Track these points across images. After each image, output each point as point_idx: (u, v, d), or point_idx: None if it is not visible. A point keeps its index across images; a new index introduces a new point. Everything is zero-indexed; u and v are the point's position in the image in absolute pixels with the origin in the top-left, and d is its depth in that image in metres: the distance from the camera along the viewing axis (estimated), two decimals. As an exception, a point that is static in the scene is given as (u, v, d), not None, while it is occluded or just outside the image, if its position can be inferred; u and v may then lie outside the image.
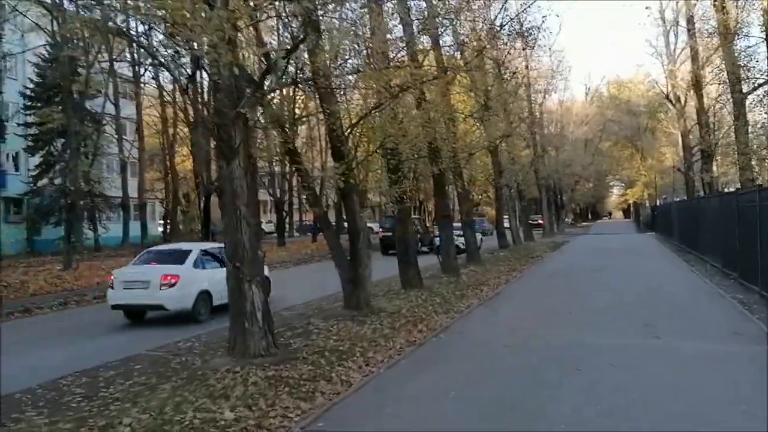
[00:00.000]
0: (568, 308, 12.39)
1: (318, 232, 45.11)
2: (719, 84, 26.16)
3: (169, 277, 12.81)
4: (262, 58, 8.73)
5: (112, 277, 13.72)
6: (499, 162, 30.34)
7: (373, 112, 12.44)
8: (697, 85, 31.15)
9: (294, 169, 12.15)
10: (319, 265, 26.63)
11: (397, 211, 16.10)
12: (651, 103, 58.94)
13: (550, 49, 50.23)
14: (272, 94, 11.30)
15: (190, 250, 13.85)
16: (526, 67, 31.18)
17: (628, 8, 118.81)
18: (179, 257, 13.69)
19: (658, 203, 59.82)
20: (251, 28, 8.75)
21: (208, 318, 13.05)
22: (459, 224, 24.42)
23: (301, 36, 7.98)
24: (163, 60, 7.44)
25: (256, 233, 8.67)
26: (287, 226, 52.09)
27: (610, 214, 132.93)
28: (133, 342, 10.92)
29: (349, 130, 12.28)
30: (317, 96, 12.42)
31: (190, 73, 7.64)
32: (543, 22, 35.33)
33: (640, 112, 63.14)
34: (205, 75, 8.78)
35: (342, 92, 12.44)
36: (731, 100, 24.90)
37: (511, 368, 7.86)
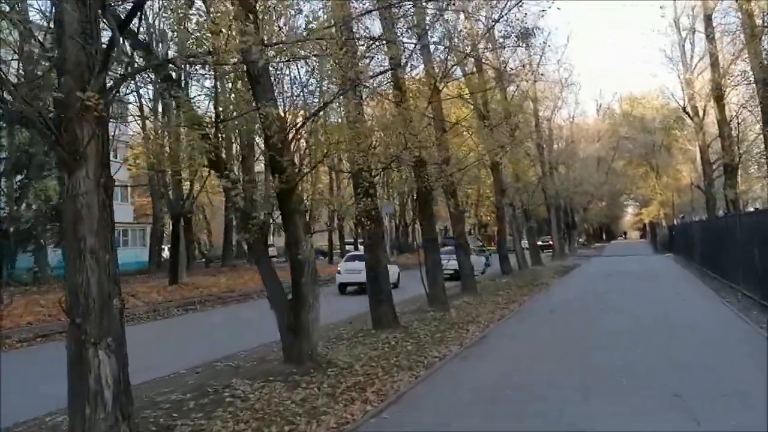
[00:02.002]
0: (569, 362, 9.57)
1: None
2: (748, 84, 23.18)
3: None
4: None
5: (338, 267, 25.43)
6: (500, 179, 27.71)
7: (323, 111, 9.86)
8: (718, 93, 28.34)
9: (221, 184, 9.44)
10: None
11: (368, 235, 13.49)
12: (666, 118, 56.35)
13: (558, 61, 48.02)
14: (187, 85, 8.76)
15: None
16: (526, 71, 28.47)
17: (644, 12, 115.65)
18: None
19: (675, 223, 56.67)
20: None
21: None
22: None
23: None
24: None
25: (111, 274, 6.02)
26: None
27: (625, 234, 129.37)
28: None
29: (290, 136, 9.68)
30: (251, 91, 9.87)
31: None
32: (542, 16, 32.32)
33: (655, 129, 60.51)
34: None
35: (280, 84, 9.84)
36: (759, 107, 22.07)
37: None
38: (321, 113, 9.93)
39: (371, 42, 13.08)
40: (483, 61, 22.09)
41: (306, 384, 8.37)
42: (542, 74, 31.90)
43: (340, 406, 7.36)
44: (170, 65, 8.61)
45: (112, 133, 27.29)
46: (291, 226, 9.86)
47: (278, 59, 8.91)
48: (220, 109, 9.56)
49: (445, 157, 17.96)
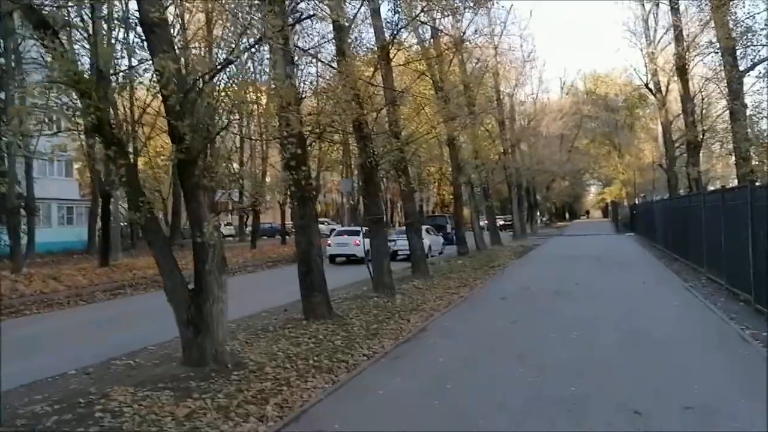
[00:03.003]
0: (513, 370, 8.08)
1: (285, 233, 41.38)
2: (715, 53, 22.08)
3: (356, 241, 25.08)
4: None
5: (329, 241, 27.72)
6: (457, 156, 26.42)
7: (231, 64, 8.31)
8: (681, 67, 27.37)
9: (112, 153, 7.80)
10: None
11: (299, 214, 12.02)
12: (629, 97, 55.89)
13: (521, 36, 46.76)
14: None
15: (359, 230, 23.50)
16: (485, 40, 27.08)
17: None
18: (356, 233, 25.60)
19: (637, 202, 56.37)
20: None
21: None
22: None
23: None
24: None
25: None
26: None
27: (587, 213, 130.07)
28: None
29: (190, 95, 8.11)
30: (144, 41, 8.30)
31: None
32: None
33: (618, 107, 60.11)
34: None
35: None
36: (725, 80, 21.06)
37: None
38: (229, 68, 8.36)
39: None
40: (438, 28, 20.66)
41: (200, 393, 6.94)
42: (503, 46, 30.69)
43: (230, 425, 5.97)
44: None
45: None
46: (193, 204, 8.34)
47: None
48: (102, 62, 7.84)
49: (395, 130, 16.59)
